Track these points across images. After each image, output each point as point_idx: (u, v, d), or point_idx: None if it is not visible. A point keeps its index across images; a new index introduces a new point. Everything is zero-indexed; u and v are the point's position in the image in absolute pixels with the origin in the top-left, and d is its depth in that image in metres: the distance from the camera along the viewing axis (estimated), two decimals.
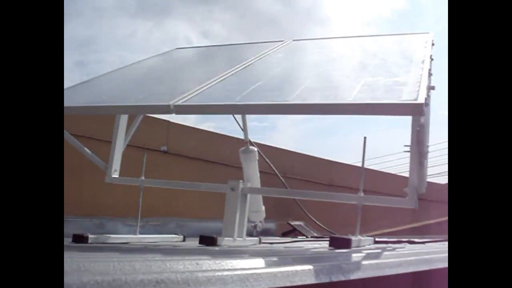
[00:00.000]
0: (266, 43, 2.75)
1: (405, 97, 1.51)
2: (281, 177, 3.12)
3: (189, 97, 1.88)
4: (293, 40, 2.81)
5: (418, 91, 1.52)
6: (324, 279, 1.03)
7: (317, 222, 3.71)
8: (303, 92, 1.84)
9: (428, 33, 2.28)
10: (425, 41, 2.18)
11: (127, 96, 2.46)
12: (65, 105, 2.02)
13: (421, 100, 1.44)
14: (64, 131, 2.30)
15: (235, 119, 2.75)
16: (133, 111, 2.13)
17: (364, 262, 1.21)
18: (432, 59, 2.10)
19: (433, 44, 2.14)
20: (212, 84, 2.05)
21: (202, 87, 1.99)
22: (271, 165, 2.78)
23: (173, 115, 1.84)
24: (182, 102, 1.83)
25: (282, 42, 2.76)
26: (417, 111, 1.47)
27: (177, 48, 3.14)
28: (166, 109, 1.82)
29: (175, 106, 1.80)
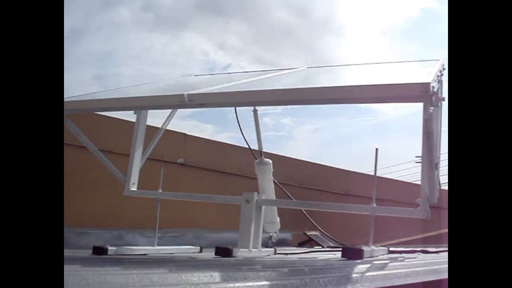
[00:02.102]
0: (280, 70, 2.85)
1: (413, 80, 1.56)
2: (284, 190, 3.18)
3: (204, 90, 1.94)
4: (308, 67, 2.91)
5: (426, 77, 1.57)
6: None
7: (325, 232, 3.73)
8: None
9: (438, 60, 2.32)
10: (435, 62, 2.22)
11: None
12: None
13: (428, 80, 1.47)
14: (90, 143, 2.39)
15: (242, 134, 2.83)
16: (147, 103, 2.17)
17: (373, 273, 1.24)
18: (444, 68, 2.14)
19: (444, 69, 2.18)
20: (227, 85, 2.15)
21: (217, 86, 2.08)
22: (274, 180, 2.83)
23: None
24: (196, 92, 1.87)
25: (296, 69, 2.86)
26: (424, 93, 1.46)
27: (195, 75, 3.27)
28: (180, 99, 1.85)
29: (188, 95, 1.84)
